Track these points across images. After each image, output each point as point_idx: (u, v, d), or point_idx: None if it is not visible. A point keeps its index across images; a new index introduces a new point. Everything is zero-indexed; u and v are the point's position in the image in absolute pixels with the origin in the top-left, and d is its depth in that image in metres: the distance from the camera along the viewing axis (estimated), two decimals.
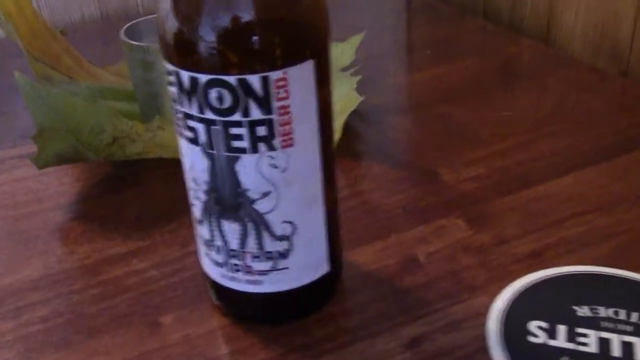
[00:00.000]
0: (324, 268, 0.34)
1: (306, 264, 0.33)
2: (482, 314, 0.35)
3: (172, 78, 0.29)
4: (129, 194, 0.46)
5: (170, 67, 0.28)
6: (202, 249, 0.34)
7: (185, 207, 0.44)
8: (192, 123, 0.29)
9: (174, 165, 0.48)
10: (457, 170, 0.46)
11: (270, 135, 0.28)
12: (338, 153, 0.41)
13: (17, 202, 0.46)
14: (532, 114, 0.53)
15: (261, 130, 0.28)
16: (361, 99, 0.49)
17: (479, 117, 0.53)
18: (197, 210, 0.32)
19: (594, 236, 0.39)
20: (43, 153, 0.43)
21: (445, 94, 0.57)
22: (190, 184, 0.32)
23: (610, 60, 0.63)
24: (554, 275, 0.37)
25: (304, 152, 0.30)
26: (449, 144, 0.50)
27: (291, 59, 0.27)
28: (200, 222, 0.32)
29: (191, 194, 0.32)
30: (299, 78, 0.28)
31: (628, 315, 0.34)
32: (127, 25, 0.49)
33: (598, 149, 0.48)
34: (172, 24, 0.28)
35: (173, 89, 0.29)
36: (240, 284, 0.33)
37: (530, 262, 0.38)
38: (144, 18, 0.50)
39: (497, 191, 0.44)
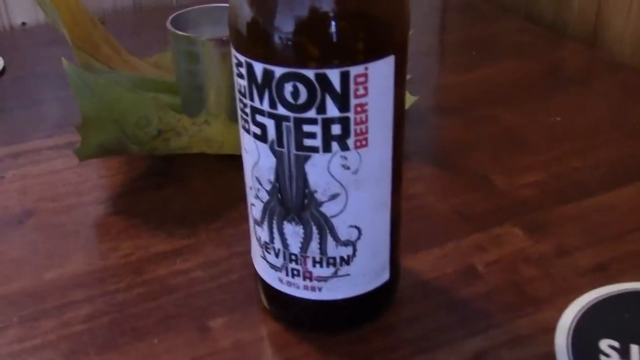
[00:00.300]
0: (384, 276, 0.32)
1: (368, 271, 0.31)
2: (548, 329, 0.33)
3: (242, 70, 0.27)
4: (172, 190, 0.44)
5: (241, 58, 0.27)
6: (257, 251, 0.32)
7: (230, 205, 0.42)
8: (261, 118, 0.27)
9: (215, 161, 0.46)
10: (510, 175, 0.45)
11: (345, 135, 0.27)
12: None
13: (56, 194, 0.44)
14: (585, 120, 0.51)
15: (336, 129, 0.26)
16: (415, 98, 0.48)
17: (529, 121, 0.51)
18: (256, 211, 0.31)
19: None
20: (86, 144, 0.41)
21: (494, 96, 0.55)
22: (251, 182, 0.30)
23: None
24: (622, 292, 0.35)
25: (377, 154, 0.28)
26: (500, 148, 0.48)
27: (373, 54, 0.25)
28: (259, 223, 0.31)
29: (251, 194, 0.30)
30: (380, 74, 0.26)
31: None
32: (173, 15, 0.47)
33: None
34: (246, 12, 0.26)
35: (242, 82, 0.27)
36: (298, 289, 0.31)
37: (595, 275, 0.36)
38: (191, 8, 0.49)
39: (554, 199, 0.42)
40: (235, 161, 0.45)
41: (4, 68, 0.64)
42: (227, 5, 0.49)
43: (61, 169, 0.47)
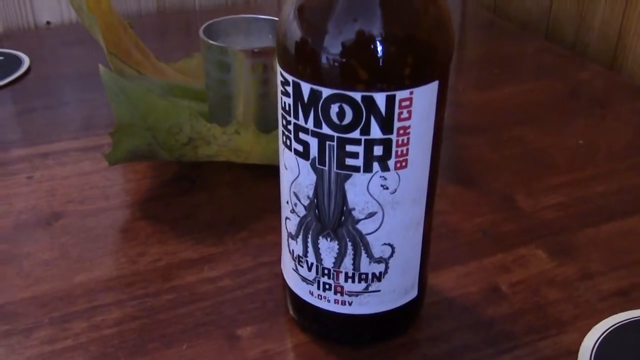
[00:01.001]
0: (413, 292, 0.33)
1: (398, 288, 0.32)
2: (572, 352, 0.33)
3: (288, 88, 0.27)
4: (199, 197, 0.45)
5: (289, 77, 0.27)
6: (289, 264, 0.33)
7: (255, 215, 0.43)
8: (304, 136, 0.28)
9: (242, 170, 0.47)
10: (534, 196, 0.45)
11: (387, 156, 0.27)
12: None
13: (84, 197, 0.45)
14: (606, 144, 0.52)
15: (378, 150, 0.27)
16: None
17: (553, 142, 0.52)
18: (291, 225, 0.31)
19: None
20: (117, 149, 0.42)
21: (517, 116, 0.56)
22: (288, 197, 0.30)
23: None
24: None
25: (416, 175, 0.29)
26: (524, 168, 0.49)
27: (419, 79, 0.26)
28: (294, 237, 0.31)
29: (287, 208, 0.31)
30: (424, 99, 0.27)
31: None
32: (206, 24, 0.48)
33: None
34: (296, 33, 0.27)
35: (287, 100, 0.28)
36: (328, 303, 0.32)
37: (618, 300, 0.37)
38: (222, 18, 0.49)
39: (578, 222, 0.43)
40: (260, 171, 0.46)
41: (29, 67, 0.65)
42: (256, 16, 0.50)
43: (89, 172, 0.48)
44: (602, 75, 0.64)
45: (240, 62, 0.46)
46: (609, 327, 0.35)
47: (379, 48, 0.25)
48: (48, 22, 0.77)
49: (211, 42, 0.46)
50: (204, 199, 0.45)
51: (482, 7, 0.86)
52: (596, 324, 0.35)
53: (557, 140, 0.52)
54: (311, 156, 0.28)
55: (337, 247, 0.30)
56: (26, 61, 0.66)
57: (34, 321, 0.35)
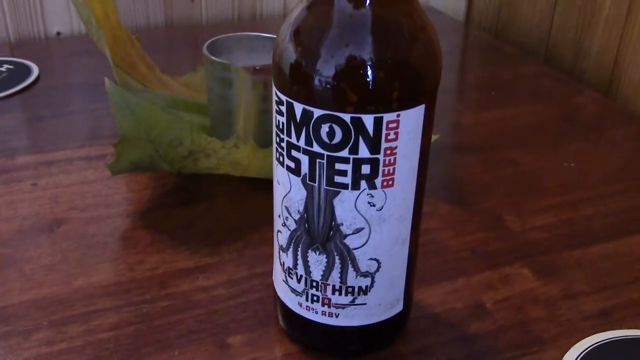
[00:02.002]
0: (399, 306, 0.34)
1: (384, 302, 0.33)
2: None
3: (282, 107, 0.29)
4: (198, 209, 0.46)
5: (283, 97, 0.29)
6: (279, 275, 0.34)
7: (252, 227, 0.44)
8: (296, 154, 0.29)
9: (240, 183, 0.48)
10: (523, 217, 0.46)
11: (374, 175, 0.29)
12: None
13: (86, 204, 0.46)
14: (597, 168, 0.53)
15: (365, 169, 0.28)
16: (436, 137, 0.50)
17: (545, 165, 0.53)
18: (283, 238, 0.32)
19: None
20: (120, 160, 0.43)
21: (512, 138, 0.57)
22: (280, 211, 0.32)
23: None
24: (623, 338, 0.37)
25: (402, 193, 0.30)
26: (515, 189, 0.50)
27: (406, 103, 0.27)
28: (285, 249, 0.33)
29: (279, 221, 0.32)
30: (410, 121, 0.28)
31: None
32: (209, 41, 0.49)
33: None
34: (291, 56, 0.28)
35: (281, 118, 0.29)
36: (316, 314, 0.33)
37: (599, 320, 0.38)
38: (226, 35, 0.51)
39: (564, 244, 0.44)
40: (257, 184, 0.47)
41: (38, 76, 0.67)
42: (259, 34, 0.52)
43: (92, 180, 0.49)
44: (597, 101, 0.66)
45: (242, 78, 0.47)
46: (588, 346, 0.36)
47: (369, 72, 0.27)
48: (58, 33, 0.79)
49: (214, 58, 0.48)
50: (202, 210, 0.46)
51: (484, 31, 0.88)
52: (576, 342, 0.36)
53: (549, 163, 0.53)
54: (302, 173, 0.29)
55: (325, 260, 0.31)
56: (35, 70, 0.67)
57: (34, 323, 0.36)
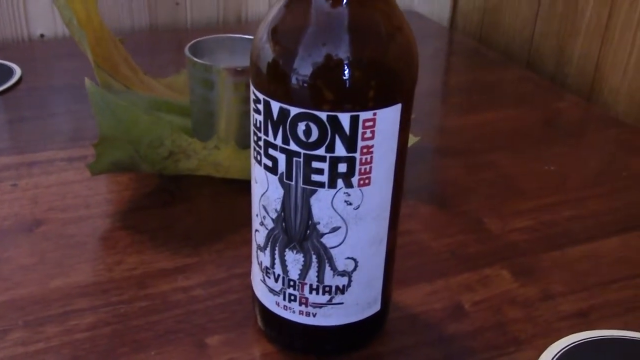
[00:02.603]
0: (376, 306, 0.34)
1: (361, 301, 0.33)
2: None
3: (259, 106, 0.29)
4: (178, 209, 0.46)
5: (260, 96, 0.29)
6: (257, 275, 0.34)
7: (232, 228, 0.44)
8: (273, 152, 0.29)
9: (221, 184, 0.48)
10: (503, 219, 0.47)
11: (350, 173, 0.29)
12: None
13: (66, 205, 0.46)
14: (577, 171, 0.54)
15: (342, 167, 0.28)
16: (417, 139, 0.50)
17: (525, 168, 0.54)
18: (260, 237, 0.32)
19: None
20: (100, 161, 0.43)
21: (493, 142, 0.58)
22: (258, 210, 0.32)
23: None
24: (599, 338, 0.37)
25: (378, 192, 0.30)
26: (495, 192, 0.50)
27: (382, 101, 0.28)
28: (262, 248, 0.33)
29: (257, 220, 0.32)
30: (386, 120, 0.28)
31: None
32: (192, 42, 0.50)
33: None
34: (268, 55, 0.28)
35: (258, 117, 0.29)
36: (294, 314, 0.33)
37: (576, 321, 0.38)
38: (208, 37, 0.51)
39: (543, 245, 0.44)
40: (239, 185, 0.47)
41: (20, 78, 0.66)
42: (241, 36, 0.52)
43: (72, 181, 0.49)
44: (578, 106, 0.66)
45: (224, 80, 0.47)
46: (565, 346, 0.36)
47: (345, 71, 0.27)
48: (42, 35, 0.79)
49: (196, 60, 0.48)
50: (183, 211, 0.46)
51: (468, 36, 0.88)
52: (553, 343, 0.36)
53: (529, 167, 0.54)
54: (279, 171, 0.29)
55: (302, 259, 0.31)
56: (18, 72, 0.67)
57: (9, 324, 0.36)
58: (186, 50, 0.49)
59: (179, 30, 0.84)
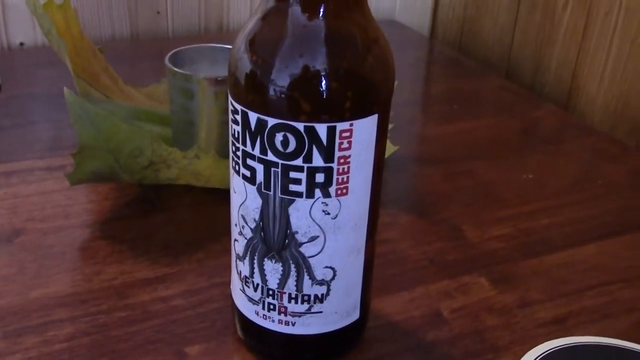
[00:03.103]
0: (355, 315, 0.34)
1: (340, 310, 0.33)
2: None
3: (237, 117, 0.29)
4: (158, 219, 0.46)
5: (238, 106, 0.29)
6: (237, 284, 0.34)
7: (212, 237, 0.44)
8: (251, 162, 0.29)
9: (202, 194, 0.48)
10: (481, 227, 0.47)
11: (328, 183, 0.29)
12: None
13: (45, 215, 0.46)
14: (554, 180, 0.54)
15: (320, 177, 0.29)
16: (396, 148, 0.50)
17: (503, 177, 0.54)
18: (239, 247, 0.33)
19: (617, 308, 0.40)
20: (79, 170, 0.43)
21: (472, 150, 0.58)
22: (237, 220, 0.32)
23: (630, 132, 0.65)
24: (576, 344, 0.38)
25: (356, 202, 0.30)
26: (473, 200, 0.51)
27: (359, 112, 0.28)
28: (241, 258, 0.33)
29: (236, 230, 0.32)
30: (363, 131, 0.28)
31: None
32: (172, 52, 0.50)
33: (622, 221, 0.49)
34: (246, 66, 0.28)
35: (236, 127, 0.30)
36: (273, 323, 0.33)
37: (553, 328, 0.39)
38: (188, 47, 0.51)
39: (521, 253, 0.45)
40: (219, 195, 0.47)
41: (0, 87, 0.66)
42: (221, 46, 0.52)
43: (51, 191, 0.49)
44: (556, 114, 0.67)
45: (204, 89, 0.47)
46: (542, 352, 0.37)
47: (322, 82, 0.27)
48: (21, 44, 0.79)
49: (176, 69, 0.48)
50: (163, 220, 0.46)
51: (448, 45, 0.89)
52: (530, 349, 0.37)
53: (508, 175, 0.54)
54: (257, 181, 0.30)
55: (281, 268, 0.31)
56: None
57: None
58: (166, 60, 0.49)
59: (160, 39, 0.84)
